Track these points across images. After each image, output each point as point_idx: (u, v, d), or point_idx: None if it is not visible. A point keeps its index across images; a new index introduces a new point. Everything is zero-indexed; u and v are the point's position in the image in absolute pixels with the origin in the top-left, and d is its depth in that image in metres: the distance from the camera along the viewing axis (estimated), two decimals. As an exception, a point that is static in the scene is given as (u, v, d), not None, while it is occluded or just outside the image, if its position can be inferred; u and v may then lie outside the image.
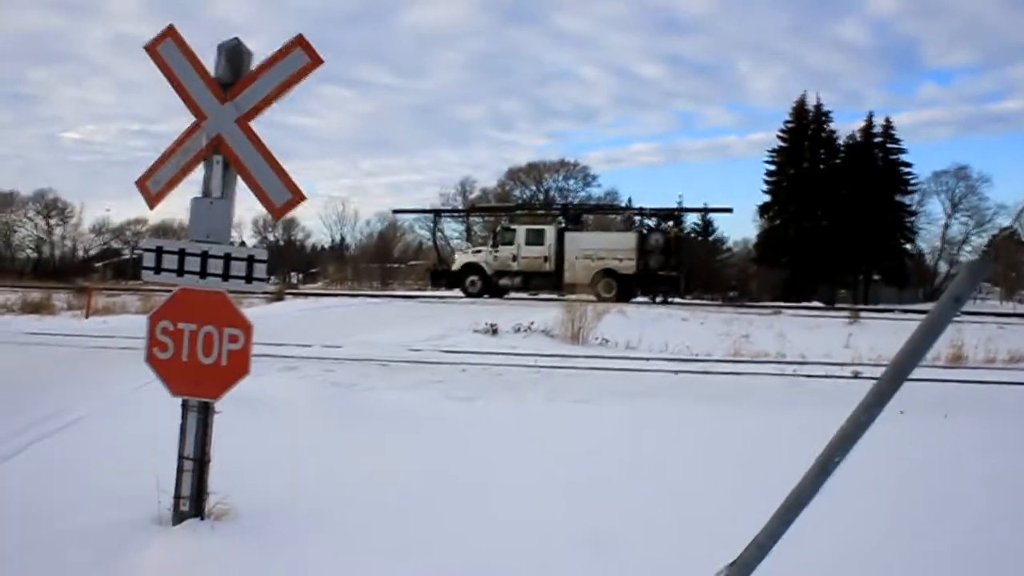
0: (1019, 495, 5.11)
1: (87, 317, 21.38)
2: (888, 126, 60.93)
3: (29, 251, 78.55)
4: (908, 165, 60.84)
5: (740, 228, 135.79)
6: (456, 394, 8.47)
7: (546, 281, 32.83)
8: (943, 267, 64.72)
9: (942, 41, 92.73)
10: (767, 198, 61.88)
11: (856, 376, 10.21)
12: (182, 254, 4.28)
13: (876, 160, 59.90)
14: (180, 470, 4.17)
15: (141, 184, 4.48)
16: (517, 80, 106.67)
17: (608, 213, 50.84)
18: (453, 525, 4.40)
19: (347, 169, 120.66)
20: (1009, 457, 6.11)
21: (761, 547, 2.22)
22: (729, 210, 41.16)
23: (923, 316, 2.03)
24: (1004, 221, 60.93)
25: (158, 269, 4.32)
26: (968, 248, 62.96)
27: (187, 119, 4.38)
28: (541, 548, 4.10)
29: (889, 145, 60.74)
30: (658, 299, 31.53)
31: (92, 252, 79.86)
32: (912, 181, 61.52)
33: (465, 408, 7.95)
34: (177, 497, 4.15)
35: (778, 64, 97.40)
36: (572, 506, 4.78)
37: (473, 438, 6.65)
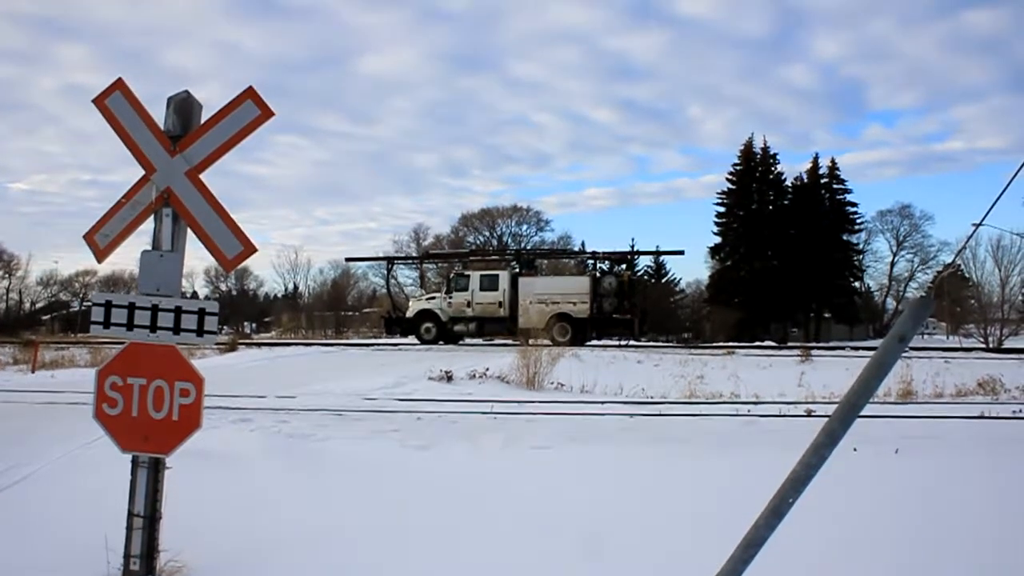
0: (969, 529, 5.19)
1: (33, 371, 20.97)
2: (833, 167, 62.56)
3: (-27, 304, 76.78)
4: (854, 205, 62.43)
5: (693, 270, 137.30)
6: (412, 443, 8.40)
7: (501, 326, 32.78)
8: (891, 304, 65.98)
9: (888, 84, 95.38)
10: (718, 240, 62.83)
11: (809, 414, 10.32)
12: (131, 308, 4.24)
13: (823, 200, 61.25)
14: (130, 528, 4.09)
15: (89, 238, 4.43)
16: (470, 127, 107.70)
17: (561, 258, 51.13)
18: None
19: (301, 217, 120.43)
20: (958, 492, 6.21)
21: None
22: (681, 252, 41.55)
23: (872, 353, 2.08)
24: (947, 258, 62.44)
25: (107, 323, 4.27)
26: (914, 284, 64.34)
27: (139, 168, 4.36)
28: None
29: (835, 185, 62.22)
30: (622, 341, 31.64)
31: (39, 304, 78.36)
32: (858, 220, 63.08)
33: (421, 457, 7.89)
34: (127, 556, 4.07)
35: (728, 108, 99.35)
36: (540, 550, 4.75)
37: (431, 487, 6.60)
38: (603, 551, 4.77)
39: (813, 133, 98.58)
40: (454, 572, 4.42)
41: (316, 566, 4.47)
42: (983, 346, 34.51)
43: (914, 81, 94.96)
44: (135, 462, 4.16)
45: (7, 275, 76.62)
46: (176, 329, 4.22)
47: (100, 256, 4.47)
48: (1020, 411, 10.56)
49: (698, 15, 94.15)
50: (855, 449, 6.80)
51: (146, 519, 4.10)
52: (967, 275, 51.37)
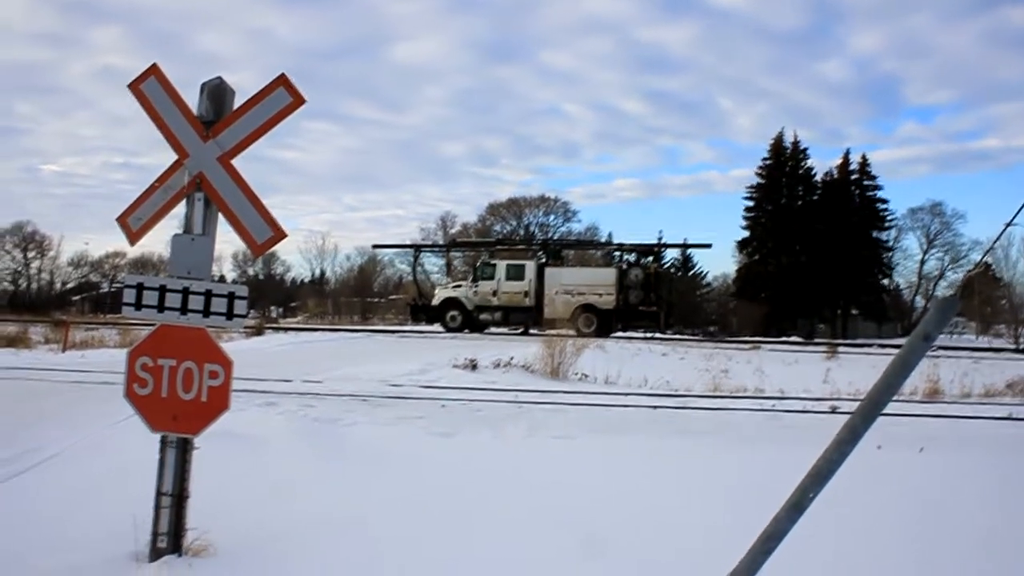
0: (991, 529, 5.16)
1: (64, 351, 21.22)
2: (864, 163, 61.83)
3: (5, 284, 77.55)
4: (884, 202, 61.68)
5: (720, 263, 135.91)
6: (436, 430, 8.45)
7: (526, 316, 32.80)
8: (920, 302, 65.28)
9: (924, 80, 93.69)
10: (746, 234, 62.42)
11: (834, 411, 10.28)
12: (163, 290, 4.30)
13: (853, 197, 60.64)
14: (158, 506, 4.16)
15: (122, 221, 4.50)
16: (501, 116, 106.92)
17: (588, 248, 50.99)
18: (437, 563, 4.39)
19: (329, 203, 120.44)
20: (982, 492, 6.17)
21: (737, 581, 2.26)
22: (708, 246, 41.60)
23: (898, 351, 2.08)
24: (979, 256, 61.70)
25: (139, 305, 4.33)
26: (944, 283, 63.55)
27: (171, 152, 4.43)
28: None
29: (866, 182, 61.53)
30: (647, 333, 31.56)
31: (70, 285, 79.22)
32: (888, 217, 62.33)
33: (446, 444, 7.93)
34: (155, 533, 4.14)
35: (760, 101, 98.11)
36: (559, 541, 4.78)
37: (455, 474, 6.64)
38: (618, 546, 4.78)
39: (845, 129, 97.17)
40: (474, 565, 4.45)
41: (340, 550, 4.52)
42: (1013, 347, 34.13)
43: (951, 77, 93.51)
44: (164, 442, 4.23)
45: (39, 255, 77.55)
46: (206, 312, 4.28)
47: (133, 239, 4.54)
48: (1049, 413, 10.46)
49: (732, 7, 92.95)
50: (879, 447, 6.77)
51: (174, 498, 4.17)
52: (999, 275, 50.74)
